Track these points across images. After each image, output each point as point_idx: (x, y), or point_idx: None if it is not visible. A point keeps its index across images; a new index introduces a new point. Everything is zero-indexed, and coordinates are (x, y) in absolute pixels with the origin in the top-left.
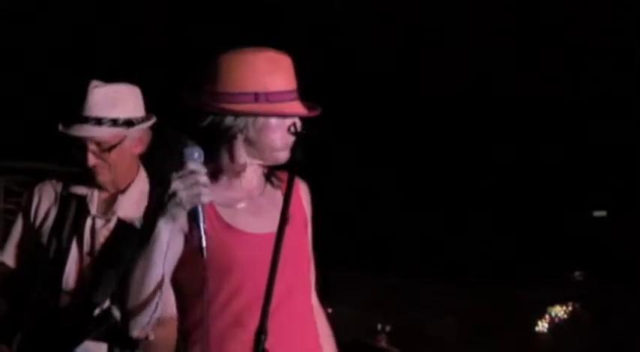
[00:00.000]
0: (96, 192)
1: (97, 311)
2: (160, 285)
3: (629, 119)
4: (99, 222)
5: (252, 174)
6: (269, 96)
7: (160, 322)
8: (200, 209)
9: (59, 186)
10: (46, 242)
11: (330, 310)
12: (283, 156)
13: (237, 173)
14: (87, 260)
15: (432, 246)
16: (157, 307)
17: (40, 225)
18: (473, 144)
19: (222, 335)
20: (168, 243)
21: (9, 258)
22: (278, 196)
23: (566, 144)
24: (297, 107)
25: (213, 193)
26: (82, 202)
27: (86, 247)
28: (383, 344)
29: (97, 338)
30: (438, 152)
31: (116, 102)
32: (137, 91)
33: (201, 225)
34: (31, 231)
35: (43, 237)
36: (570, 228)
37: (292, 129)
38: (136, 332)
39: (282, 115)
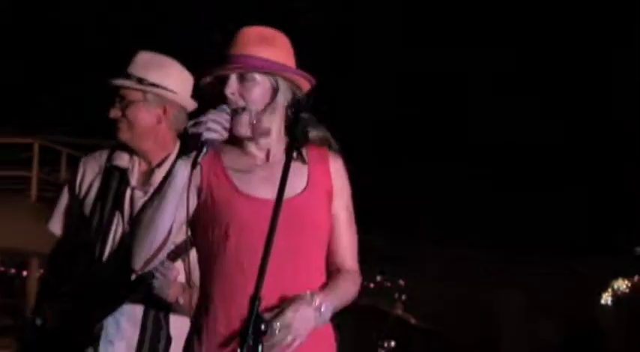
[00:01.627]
0: (136, 165)
1: (133, 277)
2: (169, 228)
3: None
4: (138, 194)
5: (266, 143)
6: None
7: (186, 288)
8: (205, 147)
9: (103, 159)
10: (90, 213)
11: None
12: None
13: (243, 141)
14: (127, 230)
15: (496, 220)
16: (162, 247)
17: (85, 197)
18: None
19: (225, 299)
20: (184, 188)
21: (56, 226)
22: (298, 167)
23: None
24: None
25: (228, 158)
26: (124, 174)
27: (126, 217)
28: (399, 311)
29: (133, 301)
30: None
31: (153, 67)
32: (187, 76)
33: (199, 158)
34: (75, 203)
35: (86, 208)
36: (635, 201)
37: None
38: (138, 266)
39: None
